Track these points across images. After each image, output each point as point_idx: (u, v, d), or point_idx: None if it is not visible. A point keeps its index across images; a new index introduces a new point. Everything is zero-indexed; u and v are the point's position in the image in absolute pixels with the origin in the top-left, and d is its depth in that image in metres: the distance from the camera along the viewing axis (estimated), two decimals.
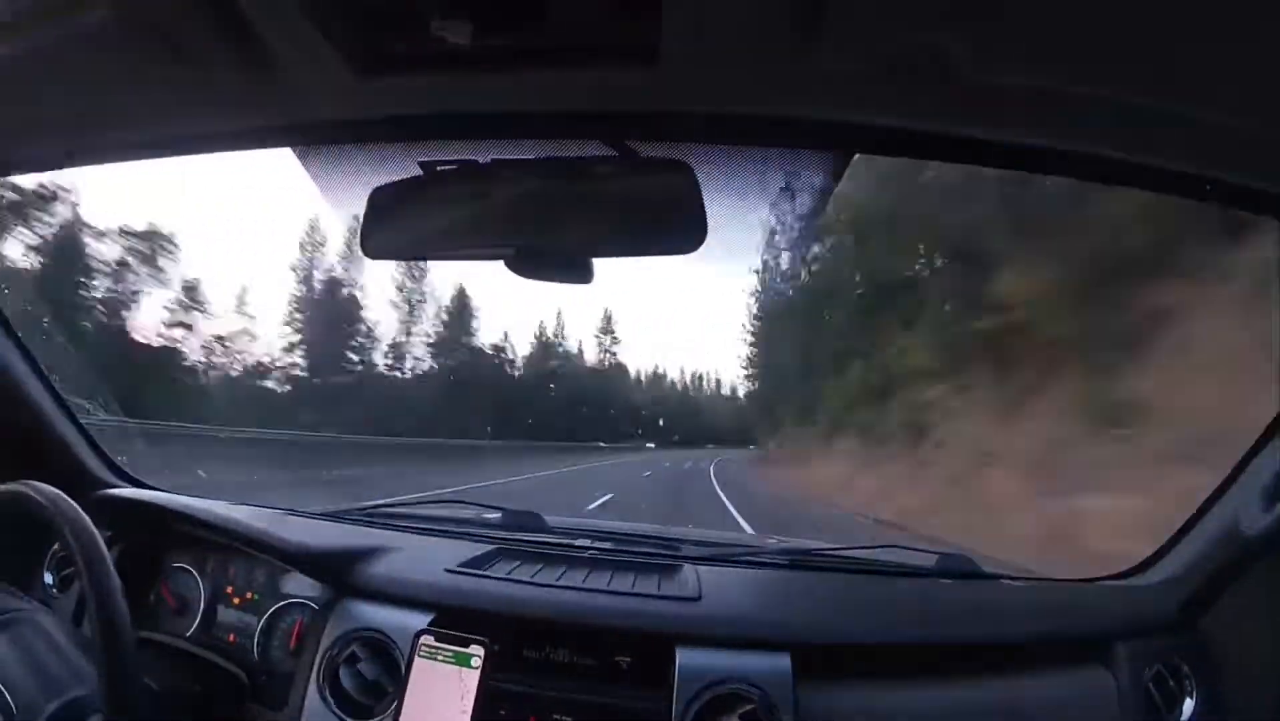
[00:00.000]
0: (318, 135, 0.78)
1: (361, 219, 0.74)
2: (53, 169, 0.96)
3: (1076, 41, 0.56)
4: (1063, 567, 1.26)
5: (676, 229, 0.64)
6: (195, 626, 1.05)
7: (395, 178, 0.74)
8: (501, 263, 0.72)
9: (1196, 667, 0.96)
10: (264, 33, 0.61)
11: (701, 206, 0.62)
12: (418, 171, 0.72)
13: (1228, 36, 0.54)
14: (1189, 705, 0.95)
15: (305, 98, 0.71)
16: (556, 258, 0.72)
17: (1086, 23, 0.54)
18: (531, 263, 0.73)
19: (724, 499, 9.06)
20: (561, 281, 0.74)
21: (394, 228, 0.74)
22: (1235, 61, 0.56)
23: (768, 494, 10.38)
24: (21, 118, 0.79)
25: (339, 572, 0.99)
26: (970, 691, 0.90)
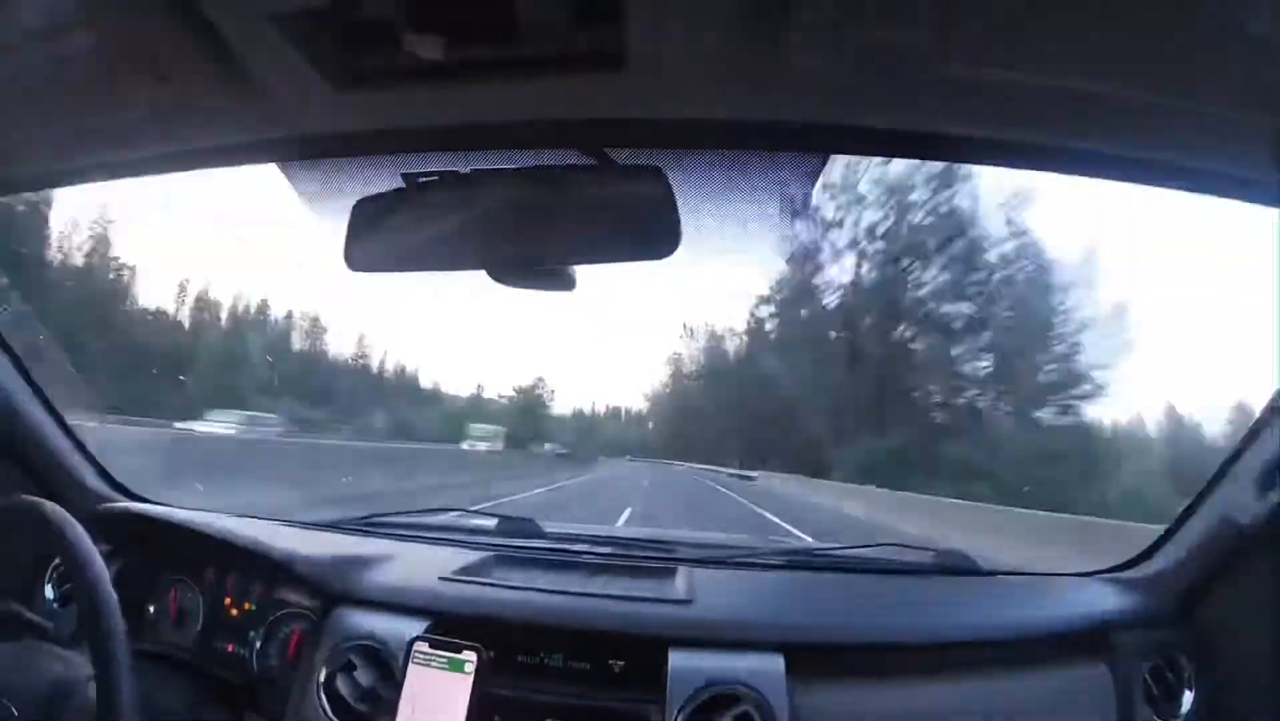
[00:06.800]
0: (301, 150, 0.79)
1: (345, 232, 0.75)
2: (39, 189, 0.97)
3: (1044, 33, 0.56)
4: (1058, 563, 1.26)
5: (651, 235, 0.64)
6: (194, 638, 1.06)
7: (378, 190, 0.75)
8: (484, 272, 0.72)
9: (1195, 660, 0.96)
10: (243, 52, 0.62)
11: (676, 212, 0.63)
12: (400, 183, 0.73)
13: (1205, 25, 0.53)
14: (1188, 697, 0.94)
15: (287, 113, 0.72)
16: (538, 266, 0.73)
17: (1052, 13, 0.54)
18: (514, 271, 0.74)
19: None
20: (544, 289, 0.74)
21: (377, 240, 0.75)
22: (1214, 50, 0.56)
23: None
24: (8, 138, 0.81)
25: (335, 582, 1.00)
26: (967, 688, 0.90)
